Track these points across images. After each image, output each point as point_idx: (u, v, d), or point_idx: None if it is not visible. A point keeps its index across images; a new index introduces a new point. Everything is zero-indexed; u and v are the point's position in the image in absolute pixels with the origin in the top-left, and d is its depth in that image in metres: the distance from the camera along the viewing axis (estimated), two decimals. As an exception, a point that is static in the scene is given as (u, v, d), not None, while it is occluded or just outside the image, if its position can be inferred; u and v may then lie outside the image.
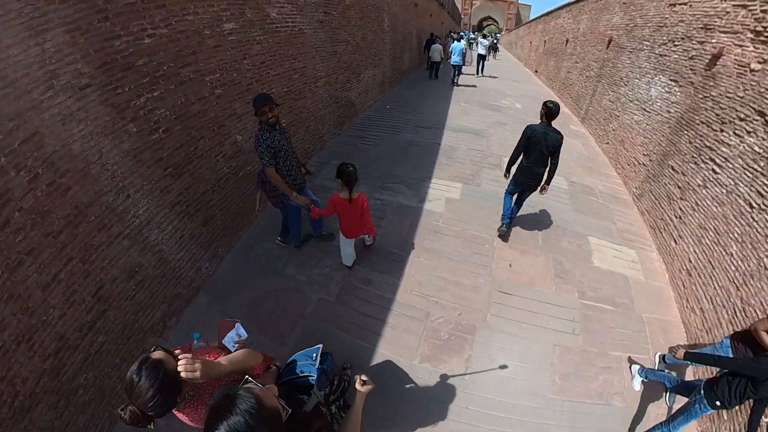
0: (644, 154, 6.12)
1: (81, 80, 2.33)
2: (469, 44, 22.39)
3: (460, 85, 12.88)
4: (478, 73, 15.47)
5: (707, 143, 4.42)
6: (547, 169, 4.03)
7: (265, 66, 4.56)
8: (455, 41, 13.25)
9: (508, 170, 4.38)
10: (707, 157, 4.30)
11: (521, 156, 4.10)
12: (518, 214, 4.74)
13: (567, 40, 12.80)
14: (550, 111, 3.90)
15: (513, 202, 4.44)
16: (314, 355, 1.87)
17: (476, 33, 42.81)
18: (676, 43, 5.71)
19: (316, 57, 5.80)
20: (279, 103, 3.28)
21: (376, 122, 8.13)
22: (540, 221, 4.94)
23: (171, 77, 3.10)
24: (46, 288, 2.16)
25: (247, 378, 1.07)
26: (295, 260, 4.16)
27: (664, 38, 6.07)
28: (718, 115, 4.36)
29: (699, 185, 4.30)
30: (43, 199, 2.13)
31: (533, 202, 5.18)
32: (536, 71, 19.27)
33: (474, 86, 13.39)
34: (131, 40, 2.67)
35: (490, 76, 15.86)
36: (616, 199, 6.10)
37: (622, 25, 7.98)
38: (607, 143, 7.84)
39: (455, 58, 12.36)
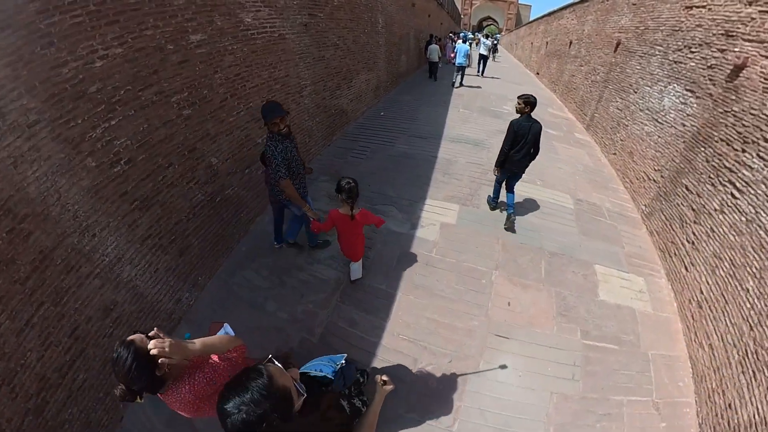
0: (655, 170, 5.69)
1: (29, 117, 2.18)
2: (468, 45, 21.82)
3: (463, 86, 12.91)
4: (479, 74, 15.67)
5: (727, 164, 4.01)
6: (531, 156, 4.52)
7: (240, 78, 4.14)
8: (460, 42, 13.81)
9: (500, 165, 4.64)
10: (726, 179, 3.93)
11: (513, 150, 4.46)
12: (522, 242, 4.33)
13: (570, 42, 12.36)
14: (532, 104, 4.32)
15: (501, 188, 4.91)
16: (338, 363, 2.03)
17: (476, 33, 42.64)
18: (693, 49, 5.26)
19: (300, 64, 5.36)
20: (288, 111, 3.27)
21: (370, 131, 7.68)
22: (544, 248, 4.50)
23: (130, 102, 2.83)
24: (20, 333, 2.17)
25: (270, 357, 1.16)
26: (277, 294, 3.83)
27: (679, 44, 5.63)
28: (740, 133, 3.94)
29: (715, 209, 3.94)
30: (5, 248, 2.09)
31: (537, 226, 4.75)
32: (538, 73, 18.88)
33: (478, 87, 13.51)
34: (81, 66, 2.43)
35: (491, 77, 15.82)
36: (624, 217, 5.68)
37: (631, 28, 7.53)
38: (614, 154, 7.41)
39: (460, 59, 12.43)
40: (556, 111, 11.23)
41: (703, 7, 5.20)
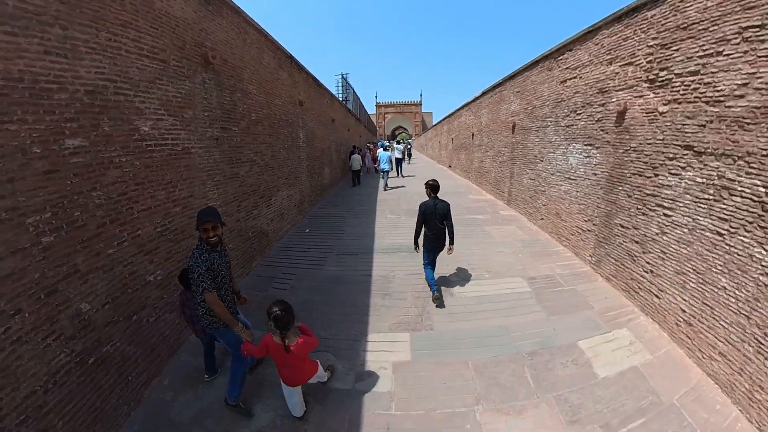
0: (585, 220, 5.96)
1: None
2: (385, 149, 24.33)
3: (388, 188, 13.85)
4: (398, 175, 17.63)
5: (647, 191, 4.44)
6: (446, 231, 5.10)
7: (127, 199, 3.31)
8: (381, 150, 16.09)
9: (416, 243, 5.32)
10: (653, 204, 4.33)
11: (423, 228, 5.20)
12: (496, 355, 3.86)
13: (473, 134, 14.20)
14: (434, 188, 5.30)
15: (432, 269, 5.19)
16: None
17: (391, 141, 48.92)
18: (578, 111, 6.09)
19: (209, 182, 4.81)
20: (224, 222, 3.08)
21: (294, 252, 6.95)
22: (521, 351, 3.92)
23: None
24: None
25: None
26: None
27: (566, 111, 6.54)
28: (646, 162, 4.47)
29: (657, 233, 4.26)
30: None
31: (505, 327, 4.29)
32: (450, 166, 21.14)
33: (402, 187, 14.51)
34: None
35: (410, 176, 17.83)
36: (578, 276, 5.58)
37: (521, 110, 8.83)
38: (542, 219, 7.77)
39: (384, 165, 14.18)
40: (476, 196, 12.26)
41: (575, 78, 6.17)
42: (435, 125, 31.36)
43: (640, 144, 4.55)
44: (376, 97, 75.74)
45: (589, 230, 5.85)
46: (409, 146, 29.29)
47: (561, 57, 6.77)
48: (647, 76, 4.42)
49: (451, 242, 5.11)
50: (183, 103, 4.17)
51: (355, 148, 18.36)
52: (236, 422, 3.06)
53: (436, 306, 4.78)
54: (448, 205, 5.21)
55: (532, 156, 8.22)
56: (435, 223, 5.04)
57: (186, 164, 4.29)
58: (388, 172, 14.32)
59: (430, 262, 5.16)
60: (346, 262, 6.31)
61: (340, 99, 20.86)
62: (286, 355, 2.70)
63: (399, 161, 17.91)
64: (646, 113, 4.44)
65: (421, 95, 75.97)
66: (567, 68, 6.54)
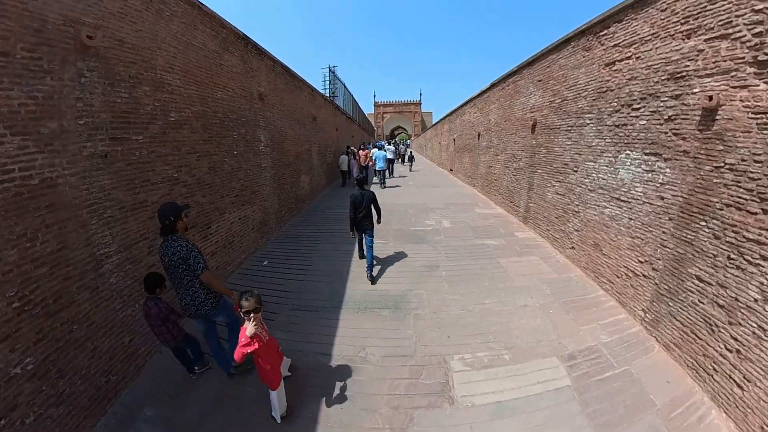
0: (641, 261, 4.49)
1: None
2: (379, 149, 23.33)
3: (386, 187, 14.44)
4: (390, 175, 18.25)
5: (750, 235, 3.10)
6: (374, 212, 6.10)
7: None
8: (375, 150, 16.56)
9: (352, 229, 6.13)
10: (757, 255, 3.04)
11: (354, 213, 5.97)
12: None
13: (479, 134, 12.88)
14: (361, 182, 6.16)
15: (367, 249, 5.94)
16: None
17: (390, 141, 50.22)
18: (636, 106, 4.63)
19: (93, 222, 3.31)
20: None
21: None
22: None
23: None
24: None
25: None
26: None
27: (614, 105, 5.08)
28: (752, 190, 3.07)
29: (757, 300, 3.00)
30: None
31: None
32: (451, 170, 19.79)
33: (396, 187, 14.64)
34: None
35: (400, 176, 18.33)
36: (629, 344, 4.11)
37: (545, 104, 7.43)
38: (572, 248, 6.29)
39: (380, 164, 15.03)
40: (483, 209, 10.72)
41: (628, 58, 4.68)
42: (435, 124, 30.08)
43: (743, 160, 3.13)
44: (374, 96, 72.70)
45: (645, 275, 4.39)
46: (405, 146, 28.24)
47: (605, 32, 5.27)
48: (754, 56, 3.02)
49: (378, 221, 6.26)
50: (39, 112, 2.81)
51: (349, 149, 17.83)
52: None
53: (371, 282, 5.66)
54: (373, 194, 6.06)
55: (560, 164, 6.75)
56: (364, 211, 5.88)
57: (49, 203, 2.85)
58: (384, 171, 15.32)
59: (362, 248, 6.46)
60: (300, 326, 4.46)
61: (327, 95, 19.40)
62: (264, 344, 2.96)
63: (391, 161, 18.54)
64: (754, 113, 3.02)
65: (420, 94, 75.22)
66: (615, 46, 5.04)
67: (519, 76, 8.85)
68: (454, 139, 18.65)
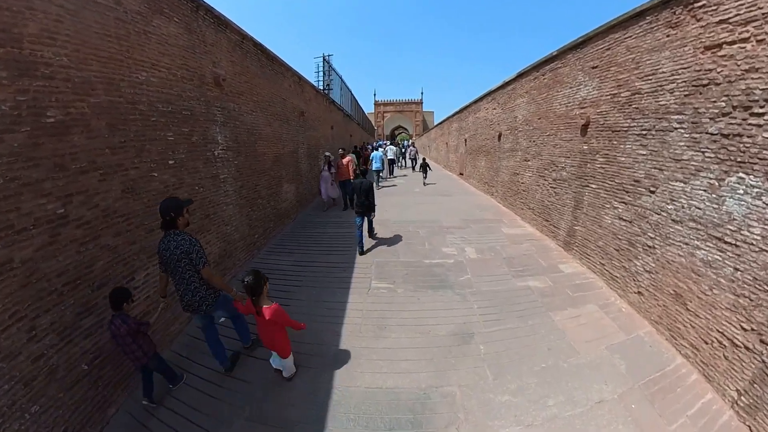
0: (745, 328, 3.19)
1: None
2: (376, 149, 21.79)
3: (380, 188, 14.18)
4: (390, 175, 19.58)
5: None
6: (370, 202, 7.33)
7: None
8: (374, 150, 18.00)
9: (352, 203, 9.14)
10: None
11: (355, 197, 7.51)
12: None
13: (500, 134, 11.32)
14: (363, 173, 8.09)
15: (362, 227, 7.42)
16: None
17: (396, 143, 51.00)
18: (757, 110, 3.20)
19: None
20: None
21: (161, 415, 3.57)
22: None
23: None
24: None
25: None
26: None
27: (721, 105, 3.57)
28: None
29: None
30: None
31: None
32: (461, 174, 18.23)
33: (393, 186, 14.39)
34: None
35: (402, 175, 18.97)
36: None
37: (602, 98, 5.87)
38: (639, 293, 4.93)
39: (376, 165, 15.40)
40: (511, 228, 9.01)
41: (745, 41, 3.08)
42: (440, 123, 28.60)
43: None
44: (374, 94, 72.88)
45: (748, 348, 3.16)
46: (404, 147, 26.86)
47: (703, 1, 3.79)
48: None
49: (373, 210, 7.63)
50: None
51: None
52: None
53: (359, 253, 7.18)
54: (370, 183, 7.46)
55: (627, 179, 5.23)
56: (362, 197, 7.27)
57: None
58: (380, 171, 15.91)
59: (359, 226, 7.35)
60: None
61: (321, 87, 17.76)
62: (259, 319, 3.47)
63: (391, 162, 19.77)
64: None
65: (422, 93, 72.41)
66: (722, 22, 3.58)
67: (561, 62, 7.26)
68: (466, 140, 17.11)
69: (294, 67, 9.72)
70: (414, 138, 62.51)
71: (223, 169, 5.79)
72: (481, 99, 14.09)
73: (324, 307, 5.21)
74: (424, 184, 16.28)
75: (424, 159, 17.32)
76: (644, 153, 4.93)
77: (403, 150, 27.37)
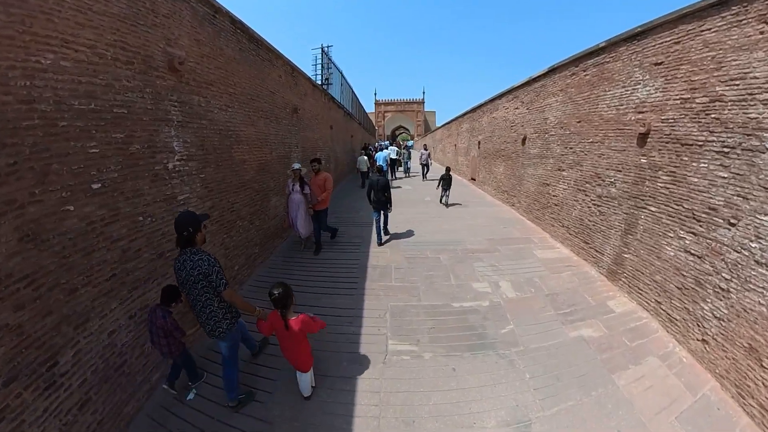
0: None
1: None
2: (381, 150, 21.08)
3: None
4: (392, 177, 20.09)
5: None
6: (386, 198, 8.31)
7: None
8: (380, 150, 19.30)
9: (370, 202, 8.53)
10: None
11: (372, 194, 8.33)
12: None
13: (524, 138, 10.58)
14: (380, 170, 9.23)
15: (380, 221, 8.60)
16: None
17: (387, 143, 51.18)
18: None
19: None
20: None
21: None
22: None
23: None
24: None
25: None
26: None
27: None
28: None
29: None
30: None
31: None
32: (473, 179, 17.57)
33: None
34: None
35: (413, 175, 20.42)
36: None
37: (669, 103, 5.23)
38: (704, 341, 4.42)
39: (380, 164, 14.74)
40: (544, 250, 8.14)
41: None
42: (447, 123, 28.03)
43: None
44: (375, 94, 74.44)
45: None
46: (407, 149, 25.35)
47: None
48: None
49: (389, 207, 8.56)
50: None
51: (368, 147, 19.76)
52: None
53: (378, 244, 8.49)
54: (387, 180, 8.63)
55: (700, 205, 4.54)
56: (378, 193, 8.22)
57: None
58: (384, 171, 14.62)
59: (377, 219, 8.54)
60: None
61: (320, 82, 16.97)
62: (286, 333, 3.55)
63: (394, 162, 20.49)
64: None
65: (423, 93, 74.01)
66: None
67: (610, 56, 6.49)
68: (479, 142, 16.36)
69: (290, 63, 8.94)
70: (415, 138, 63.88)
71: (182, 187, 4.66)
72: (499, 97, 13.32)
73: (326, 388, 4.10)
74: (446, 204, 12.81)
75: (448, 170, 12.85)
76: (725, 176, 4.23)
77: (406, 151, 24.15)
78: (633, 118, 5.83)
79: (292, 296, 3.55)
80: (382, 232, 8.60)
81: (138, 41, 3.83)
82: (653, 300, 5.34)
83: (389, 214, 8.94)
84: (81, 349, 3.07)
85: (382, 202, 8.23)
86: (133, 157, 3.76)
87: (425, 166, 20.64)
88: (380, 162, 15.43)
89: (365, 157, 17.71)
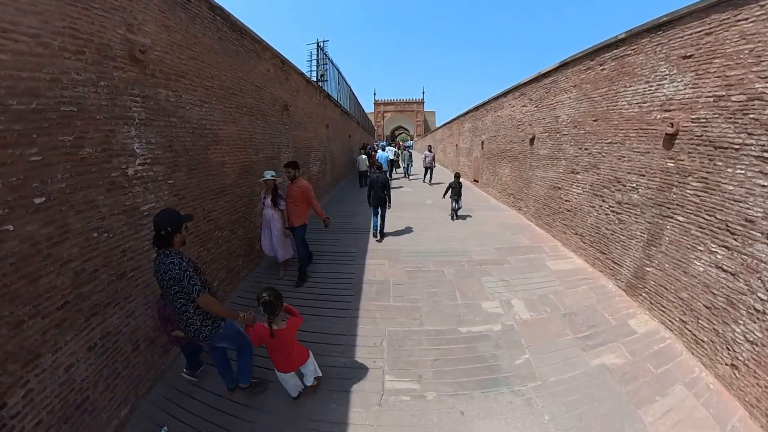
0: None
1: None
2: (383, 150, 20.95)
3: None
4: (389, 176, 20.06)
5: None
6: (385, 195, 8.94)
7: None
8: (381, 150, 19.76)
9: (368, 201, 9.13)
10: None
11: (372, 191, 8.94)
12: None
13: (533, 138, 10.10)
14: (379, 167, 11.11)
15: (378, 218, 9.12)
16: None
17: (391, 143, 52.30)
18: None
19: None
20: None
21: None
22: None
23: None
24: None
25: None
26: None
27: None
28: None
29: None
30: None
31: None
32: (476, 180, 17.38)
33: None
34: None
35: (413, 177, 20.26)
36: None
37: (702, 101, 4.81)
38: (734, 366, 4.08)
39: (380, 163, 15.65)
40: (557, 260, 7.66)
41: None
42: (448, 123, 27.88)
43: None
44: (374, 94, 76.03)
45: None
46: (407, 150, 24.73)
47: None
48: None
49: (389, 204, 9.16)
50: None
51: (367, 146, 21.32)
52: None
53: (376, 240, 9.08)
54: (386, 177, 9.43)
55: (736, 216, 4.17)
56: (377, 189, 8.82)
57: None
58: (386, 172, 16.12)
59: (375, 214, 9.11)
60: None
61: (315, 79, 16.48)
62: (273, 340, 3.46)
63: (392, 163, 20.87)
64: None
65: (423, 93, 75.03)
66: None
67: (632, 48, 6.06)
68: (483, 142, 16.00)
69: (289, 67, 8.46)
70: (416, 139, 65.18)
71: (145, 196, 4.12)
72: (505, 94, 12.93)
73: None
74: (455, 216, 11.20)
75: (457, 177, 11.22)
76: (764, 184, 3.84)
77: (407, 152, 22.72)
78: (658, 117, 5.41)
79: (282, 302, 3.47)
80: (378, 230, 9.19)
81: (91, 27, 3.34)
82: (677, 319, 4.96)
83: (387, 215, 9.35)
84: (33, 388, 2.67)
85: (382, 198, 8.90)
86: (85, 163, 3.27)
87: (429, 169, 19.07)
88: (381, 161, 15.96)
89: (365, 157, 17.89)
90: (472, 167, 18.31)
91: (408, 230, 9.90)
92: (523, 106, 11.08)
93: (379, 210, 8.97)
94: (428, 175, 19.12)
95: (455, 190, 10.97)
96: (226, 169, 6.08)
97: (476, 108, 17.63)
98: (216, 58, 5.71)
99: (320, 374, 4.04)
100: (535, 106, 10.14)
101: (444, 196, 11.62)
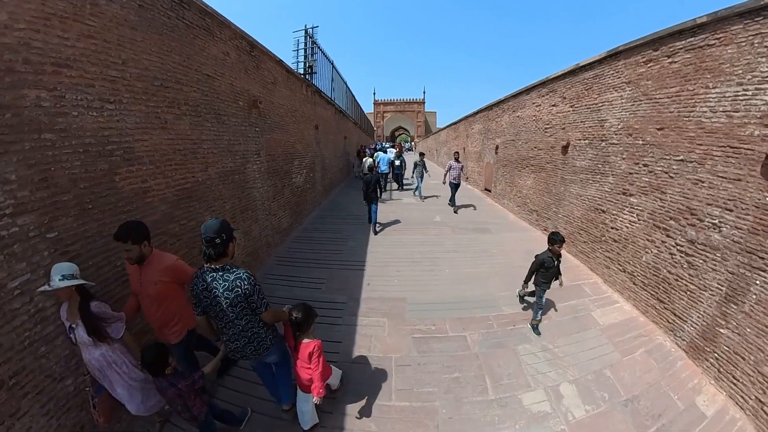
0: None
1: None
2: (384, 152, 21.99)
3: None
4: (399, 186, 20.57)
5: None
6: (375, 194, 11.35)
7: None
8: (383, 152, 20.37)
9: (365, 199, 11.47)
10: None
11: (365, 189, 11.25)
12: None
13: (566, 145, 9.06)
14: (370, 168, 12.72)
15: (371, 210, 11.30)
16: None
17: (391, 144, 54.43)
18: None
19: None
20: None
21: None
22: None
23: None
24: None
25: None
26: None
27: None
28: None
29: None
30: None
31: None
32: (488, 190, 16.97)
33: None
34: None
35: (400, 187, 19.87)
36: None
37: None
38: None
39: (383, 167, 17.25)
40: (605, 310, 6.55)
41: None
42: (453, 124, 27.62)
43: None
44: (374, 93, 79.46)
45: None
46: (404, 151, 24.69)
47: None
48: None
49: (378, 199, 11.63)
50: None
51: (365, 149, 22.11)
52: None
53: (374, 234, 10.91)
54: (378, 176, 12.45)
55: None
56: (371, 186, 11.17)
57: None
58: (386, 174, 18.14)
59: (368, 208, 11.44)
60: None
61: (301, 71, 15.49)
62: (294, 354, 3.71)
63: (392, 164, 20.69)
64: None
65: (424, 93, 79.64)
66: None
67: (716, 38, 4.97)
68: (497, 146, 15.16)
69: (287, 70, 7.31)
70: (416, 140, 70.20)
71: (12, 267, 2.95)
72: (527, 91, 12.02)
73: None
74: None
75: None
76: None
77: (417, 159, 18.20)
78: (757, 132, 4.38)
79: (312, 322, 3.62)
80: (375, 225, 11.41)
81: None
82: (753, 397, 4.24)
83: (389, 240, 10.49)
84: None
85: (371, 194, 11.33)
86: None
87: (455, 187, 14.47)
88: (383, 164, 17.57)
89: (371, 159, 18.29)
90: (483, 174, 17.51)
91: (415, 263, 8.55)
92: (553, 105, 10.09)
93: (372, 206, 11.41)
94: (452, 197, 14.69)
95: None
96: (150, 198, 4.66)
97: (489, 107, 16.80)
98: (132, 35, 4.34)
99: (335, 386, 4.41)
100: (570, 106, 9.12)
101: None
